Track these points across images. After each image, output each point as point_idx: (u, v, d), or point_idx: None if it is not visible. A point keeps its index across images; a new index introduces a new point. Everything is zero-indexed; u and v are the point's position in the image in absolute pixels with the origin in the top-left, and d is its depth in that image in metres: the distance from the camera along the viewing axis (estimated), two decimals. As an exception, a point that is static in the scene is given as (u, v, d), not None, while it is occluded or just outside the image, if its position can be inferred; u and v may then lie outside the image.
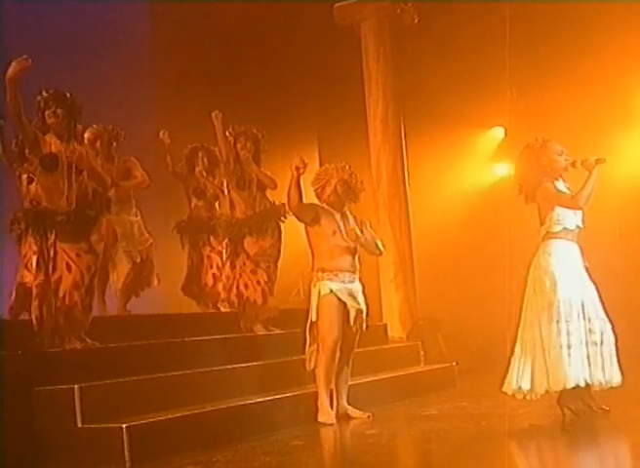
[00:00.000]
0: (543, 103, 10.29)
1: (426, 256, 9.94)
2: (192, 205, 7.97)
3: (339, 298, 5.95)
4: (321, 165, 11.28)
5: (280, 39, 10.28)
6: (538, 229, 5.68)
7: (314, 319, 5.95)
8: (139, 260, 7.32)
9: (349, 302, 5.99)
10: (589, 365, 5.39)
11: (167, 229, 8.11)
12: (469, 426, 5.63)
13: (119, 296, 7.37)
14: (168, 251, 8.24)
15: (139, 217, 7.43)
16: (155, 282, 7.49)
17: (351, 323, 6.01)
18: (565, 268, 5.49)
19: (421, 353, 8.35)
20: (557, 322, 5.40)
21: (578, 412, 5.45)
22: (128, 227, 7.27)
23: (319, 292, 5.95)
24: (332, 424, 5.85)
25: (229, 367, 6.10)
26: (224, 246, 7.42)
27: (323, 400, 5.95)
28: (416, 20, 9.86)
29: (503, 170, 11.38)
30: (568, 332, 5.38)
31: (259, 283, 7.15)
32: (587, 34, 9.58)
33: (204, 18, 9.51)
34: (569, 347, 5.37)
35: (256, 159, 7.36)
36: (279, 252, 7.25)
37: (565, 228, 5.53)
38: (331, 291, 5.94)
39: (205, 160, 7.90)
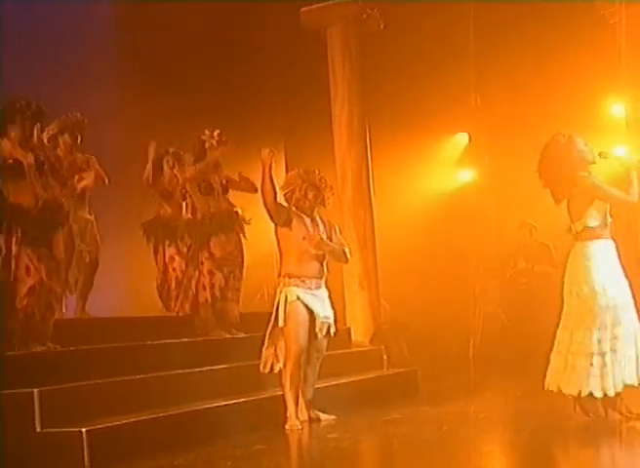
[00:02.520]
0: (507, 110, 10.39)
1: (391, 261, 9.98)
2: (161, 209, 7.95)
3: (306, 306, 5.94)
4: (287, 170, 11.39)
5: (246, 42, 10.27)
6: (568, 226, 5.50)
7: (282, 324, 5.92)
8: (87, 260, 7.26)
9: (316, 310, 5.98)
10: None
11: (129, 230, 8.06)
12: (431, 430, 5.64)
13: (77, 299, 7.31)
14: (130, 253, 8.20)
15: (92, 217, 7.39)
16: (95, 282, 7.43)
17: (317, 330, 6.01)
18: (608, 271, 5.36)
19: (385, 357, 8.38)
20: (601, 328, 5.30)
21: (604, 415, 5.37)
22: (82, 225, 7.21)
23: (286, 298, 5.94)
24: (298, 430, 5.83)
25: (191, 370, 6.07)
26: (188, 247, 7.37)
27: (290, 407, 5.91)
28: (381, 26, 9.90)
29: (468, 175, 11.49)
30: (610, 339, 5.29)
31: (213, 286, 7.12)
32: (552, 41, 9.69)
33: (169, 18, 9.47)
34: (613, 352, 5.29)
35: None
36: (242, 258, 7.24)
37: (602, 223, 5.41)
38: (297, 297, 5.93)
39: (172, 163, 7.90)
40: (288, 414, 5.93)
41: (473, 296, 10.63)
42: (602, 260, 5.39)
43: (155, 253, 7.89)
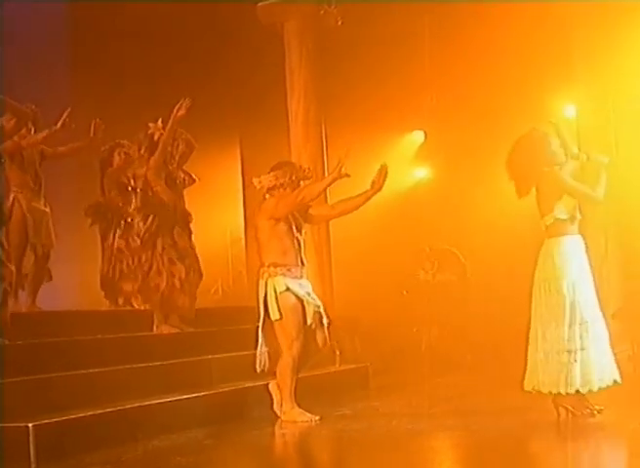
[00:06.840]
0: (463, 108, 10.47)
1: (345, 258, 10.01)
2: (111, 195, 7.89)
3: (296, 295, 5.83)
4: (243, 165, 11.37)
5: (202, 37, 10.22)
6: (538, 222, 5.56)
7: (277, 317, 5.78)
8: (40, 254, 7.17)
9: (306, 299, 5.88)
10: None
11: (80, 222, 7.99)
12: (380, 425, 5.70)
13: (27, 292, 7.21)
14: (81, 244, 8.11)
15: (48, 209, 7.31)
16: (49, 278, 7.36)
17: (308, 320, 5.89)
18: (578, 269, 5.42)
19: (337, 353, 8.40)
20: (571, 325, 5.34)
21: (575, 412, 5.39)
22: (38, 217, 7.13)
23: (275, 289, 5.79)
24: (316, 421, 5.81)
25: (141, 365, 6.04)
26: (143, 233, 7.26)
27: (288, 401, 5.87)
28: (339, 23, 9.90)
29: (423, 173, 11.56)
30: (580, 336, 5.34)
31: (172, 275, 7.07)
32: (507, 39, 9.77)
33: (123, 10, 9.39)
34: (582, 349, 5.33)
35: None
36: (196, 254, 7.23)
37: (572, 216, 5.46)
38: (287, 288, 5.80)
39: (123, 156, 7.86)
40: (289, 410, 5.85)
41: (427, 293, 10.69)
42: (573, 256, 5.44)
43: (103, 239, 7.76)
